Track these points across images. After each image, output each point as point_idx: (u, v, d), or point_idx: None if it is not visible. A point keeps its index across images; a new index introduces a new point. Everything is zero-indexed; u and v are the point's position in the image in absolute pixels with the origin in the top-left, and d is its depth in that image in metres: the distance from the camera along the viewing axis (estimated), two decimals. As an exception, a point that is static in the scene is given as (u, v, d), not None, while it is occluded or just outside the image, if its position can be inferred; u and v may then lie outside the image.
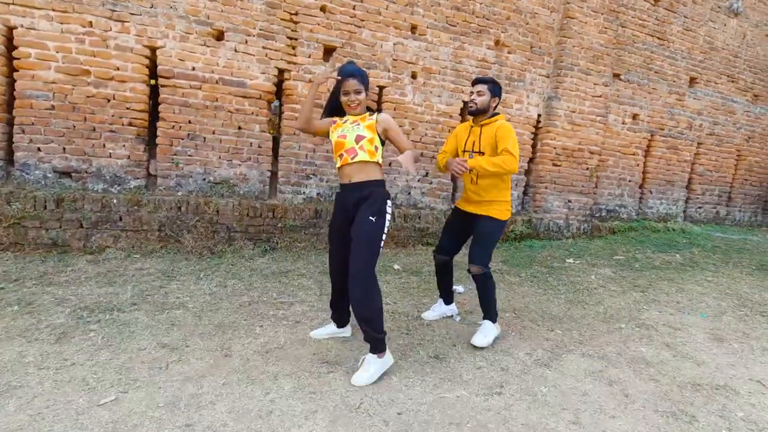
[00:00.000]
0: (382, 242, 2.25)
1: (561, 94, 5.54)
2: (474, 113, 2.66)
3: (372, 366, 2.17)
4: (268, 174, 4.45)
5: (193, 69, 3.96)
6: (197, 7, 3.88)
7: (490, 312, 2.73)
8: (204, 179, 4.15)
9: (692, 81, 6.76)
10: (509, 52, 5.34)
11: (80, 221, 3.58)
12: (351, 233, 2.21)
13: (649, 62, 6.29)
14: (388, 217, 2.26)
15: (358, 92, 2.23)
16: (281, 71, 4.32)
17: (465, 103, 5.22)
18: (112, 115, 3.73)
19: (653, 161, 6.67)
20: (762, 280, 4.77)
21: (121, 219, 3.72)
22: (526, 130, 5.63)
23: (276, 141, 4.50)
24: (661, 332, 3.14)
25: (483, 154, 2.61)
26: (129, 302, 2.85)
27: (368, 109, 2.38)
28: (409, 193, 5.12)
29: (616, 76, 6.06)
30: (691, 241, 6.33)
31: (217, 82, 4.04)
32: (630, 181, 6.56)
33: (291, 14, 4.25)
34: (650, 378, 2.45)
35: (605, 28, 5.67)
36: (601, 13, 5.61)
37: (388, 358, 2.25)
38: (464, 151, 2.72)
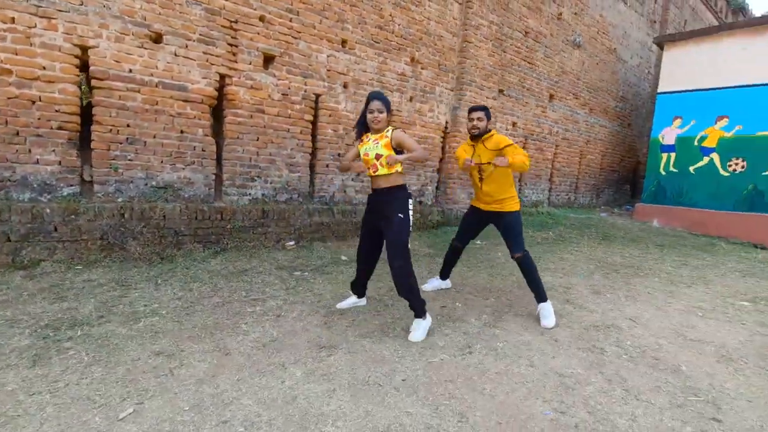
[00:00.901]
0: (410, 230, 2.61)
1: (463, 105, 6.09)
2: (477, 136, 2.99)
3: (421, 326, 2.57)
4: (213, 177, 4.14)
5: (130, 71, 3.49)
6: (133, 8, 3.43)
7: (540, 291, 2.98)
8: (146, 184, 3.71)
9: (551, 97, 7.94)
10: (422, 68, 5.70)
11: (7, 234, 2.96)
12: (384, 228, 2.59)
13: (523, 81, 7.23)
14: (410, 212, 2.62)
15: (380, 111, 2.53)
16: (223, 77, 4.04)
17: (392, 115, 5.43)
18: (39, 118, 3.13)
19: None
20: (608, 247, 5.90)
21: (56, 229, 3.16)
22: (437, 134, 6.07)
23: (219, 144, 4.20)
24: (560, 291, 3.74)
25: (488, 164, 2.94)
26: (94, 315, 2.48)
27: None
28: (345, 191, 5.19)
29: (501, 91, 6.85)
30: (555, 221, 7.48)
31: (156, 86, 3.62)
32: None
33: (231, 22, 3.98)
34: (566, 326, 2.95)
35: (493, 52, 6.37)
36: (490, 40, 6.29)
37: (429, 319, 2.65)
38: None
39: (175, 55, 3.70)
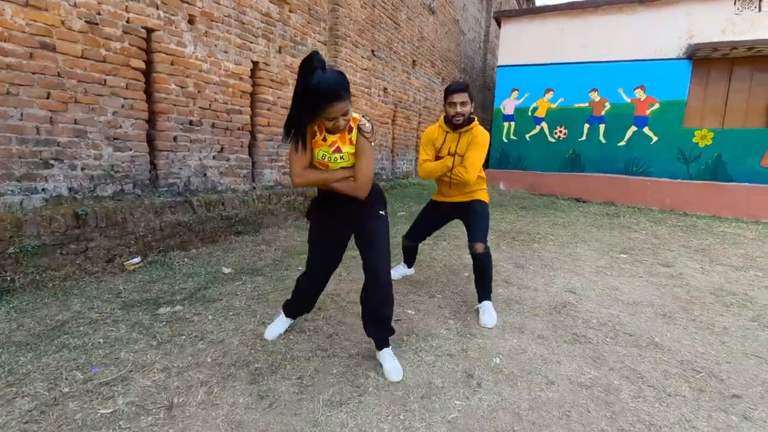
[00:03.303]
0: None
1: (339, 63, 5.26)
2: (461, 125, 2.45)
3: (394, 357, 1.95)
4: (-40, 164, 2.31)
5: None
6: None
7: (489, 290, 2.60)
8: None
9: (414, 63, 7.80)
10: (290, 11, 4.58)
11: None
12: (361, 230, 1.89)
13: (390, 43, 6.79)
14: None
15: (345, 114, 1.64)
16: (-45, -27, 2.19)
17: (255, 63, 4.19)
18: None
19: (397, 129, 7.46)
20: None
21: None
22: (312, 99, 5.10)
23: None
24: (490, 271, 3.52)
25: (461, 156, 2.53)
26: None
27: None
28: (205, 175, 3.81)
29: (373, 52, 6.25)
30: (429, 191, 7.56)
31: None
32: (386, 147, 7.13)
33: None
34: (531, 313, 2.68)
35: (365, 3, 5.66)
36: (361, -12, 5.55)
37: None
38: (441, 157, 2.58)
39: None
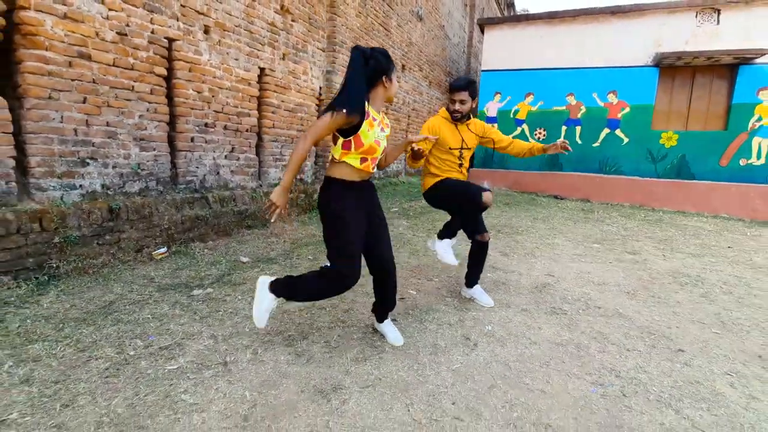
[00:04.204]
0: None
1: (337, 69, 5.58)
2: (459, 120, 2.66)
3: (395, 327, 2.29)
4: (12, 163, 2.55)
5: None
6: None
7: (480, 275, 2.87)
8: None
9: (404, 68, 8.16)
10: (293, 20, 4.88)
11: None
12: (377, 223, 2.06)
13: (382, 48, 7.14)
14: None
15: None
16: (11, -8, 2.44)
17: (262, 69, 4.49)
18: None
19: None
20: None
21: None
22: (312, 101, 5.41)
23: (15, 110, 2.59)
24: (479, 259, 3.92)
25: (470, 149, 2.74)
26: None
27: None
28: (218, 173, 4.09)
29: (366, 57, 6.58)
30: (418, 190, 7.94)
31: None
32: (377, 146, 7.48)
33: None
34: (517, 292, 3.08)
35: (360, 12, 5.99)
36: (356, -2, 5.88)
37: None
38: (452, 149, 2.68)
39: None
